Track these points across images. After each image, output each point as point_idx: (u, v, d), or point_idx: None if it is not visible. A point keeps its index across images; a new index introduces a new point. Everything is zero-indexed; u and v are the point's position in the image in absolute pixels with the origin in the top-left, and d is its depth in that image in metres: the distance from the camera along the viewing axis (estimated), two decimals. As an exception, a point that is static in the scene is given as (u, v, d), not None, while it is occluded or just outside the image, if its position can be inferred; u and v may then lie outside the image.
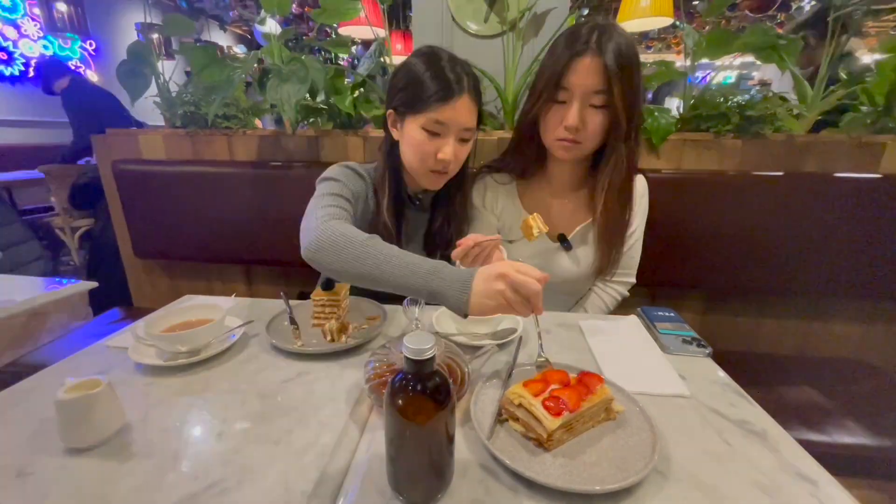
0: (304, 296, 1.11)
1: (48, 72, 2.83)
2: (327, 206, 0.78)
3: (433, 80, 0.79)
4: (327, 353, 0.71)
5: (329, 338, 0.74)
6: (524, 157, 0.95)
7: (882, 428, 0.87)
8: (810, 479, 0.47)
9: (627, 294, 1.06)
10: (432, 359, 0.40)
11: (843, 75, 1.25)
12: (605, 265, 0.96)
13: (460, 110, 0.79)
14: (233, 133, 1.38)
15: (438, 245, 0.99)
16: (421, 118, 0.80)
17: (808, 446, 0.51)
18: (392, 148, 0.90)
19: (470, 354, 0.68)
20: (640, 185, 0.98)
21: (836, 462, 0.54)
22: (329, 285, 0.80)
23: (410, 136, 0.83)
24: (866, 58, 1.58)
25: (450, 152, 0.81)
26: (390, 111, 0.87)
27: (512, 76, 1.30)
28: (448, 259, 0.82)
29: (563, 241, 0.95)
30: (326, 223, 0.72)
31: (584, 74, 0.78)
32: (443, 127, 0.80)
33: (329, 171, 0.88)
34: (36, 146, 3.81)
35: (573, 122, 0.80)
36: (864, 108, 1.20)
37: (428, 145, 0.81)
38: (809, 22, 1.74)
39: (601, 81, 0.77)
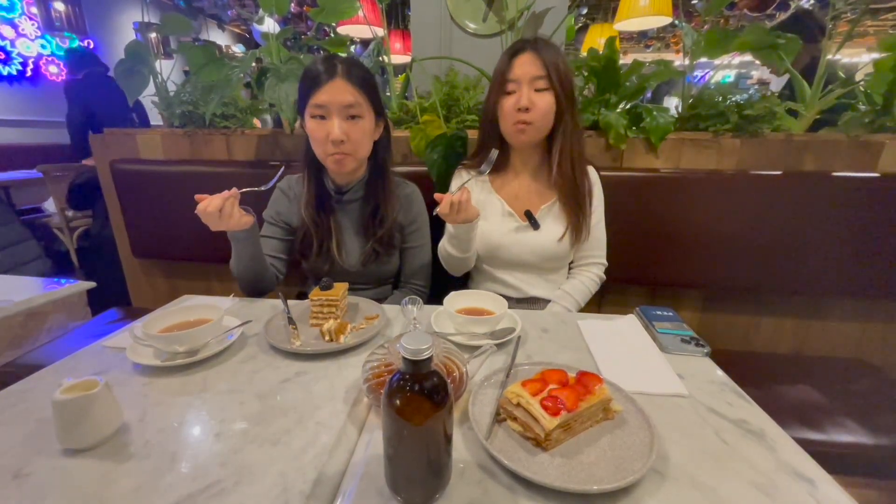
0: (302, 296, 1.11)
1: (75, 61, 2.90)
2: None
3: (308, 74, 0.91)
4: (325, 354, 0.71)
5: (327, 338, 0.74)
6: (489, 152, 1.04)
7: (879, 426, 0.87)
8: (808, 477, 0.47)
9: (604, 276, 1.10)
10: (430, 359, 0.40)
11: (841, 75, 1.26)
12: (576, 227, 1.03)
13: (334, 90, 0.88)
14: (231, 132, 1.38)
15: (374, 231, 1.03)
16: (308, 110, 0.91)
17: (806, 445, 0.51)
18: (308, 149, 0.99)
19: (468, 354, 0.68)
20: (592, 174, 1.08)
21: (834, 461, 0.54)
22: (327, 286, 0.80)
23: (307, 128, 0.94)
24: (864, 58, 1.59)
25: (337, 131, 0.89)
26: (298, 119, 0.98)
27: (510, 75, 1.30)
28: (384, 243, 1.02)
29: (530, 218, 1.04)
30: None
31: (525, 65, 0.95)
32: (324, 109, 0.89)
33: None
34: (34, 146, 3.80)
35: (525, 102, 0.95)
36: (862, 108, 1.20)
37: (319, 130, 0.91)
38: (786, 24, 1.76)
39: (540, 68, 0.94)
